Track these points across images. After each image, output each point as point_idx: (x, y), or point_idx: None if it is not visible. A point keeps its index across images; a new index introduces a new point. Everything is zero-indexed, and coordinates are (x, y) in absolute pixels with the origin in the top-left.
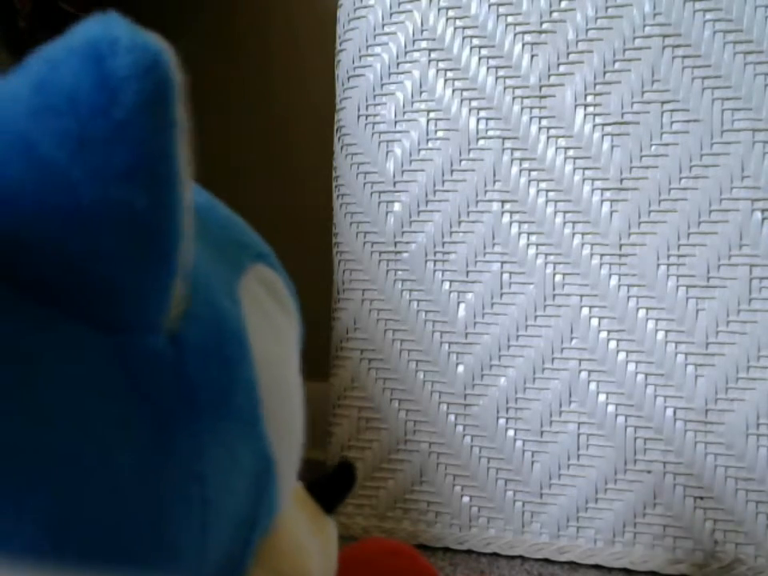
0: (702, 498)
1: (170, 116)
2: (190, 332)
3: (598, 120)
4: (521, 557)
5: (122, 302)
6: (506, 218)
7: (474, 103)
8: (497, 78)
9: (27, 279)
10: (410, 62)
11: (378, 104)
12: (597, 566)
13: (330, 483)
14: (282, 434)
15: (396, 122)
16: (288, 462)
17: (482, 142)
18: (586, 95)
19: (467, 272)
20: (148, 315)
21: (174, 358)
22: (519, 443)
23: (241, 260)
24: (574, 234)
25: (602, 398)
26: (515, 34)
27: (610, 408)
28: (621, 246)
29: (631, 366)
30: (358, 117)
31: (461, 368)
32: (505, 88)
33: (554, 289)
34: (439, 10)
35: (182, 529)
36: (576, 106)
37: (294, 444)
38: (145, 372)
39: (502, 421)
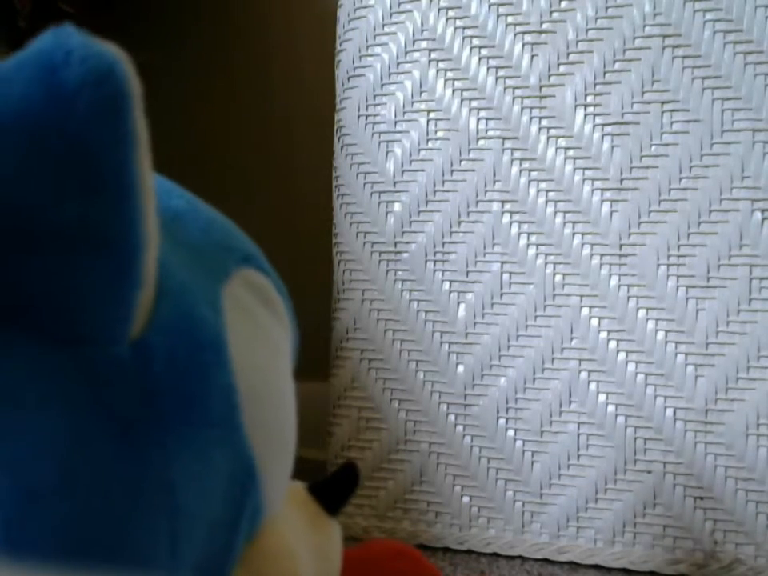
0: (702, 498)
1: (125, 127)
2: (157, 341)
3: (598, 120)
4: (521, 557)
5: (81, 316)
6: (506, 218)
7: (474, 103)
8: (497, 78)
9: None
10: (410, 62)
11: (378, 104)
12: (597, 566)
13: (332, 485)
14: (268, 440)
15: (396, 122)
16: (276, 467)
17: (482, 142)
18: (586, 95)
19: (467, 272)
20: (110, 327)
21: (138, 368)
22: (519, 443)
23: (225, 265)
24: (574, 233)
25: (602, 398)
26: (515, 34)
27: (610, 408)
28: (621, 246)
29: (631, 366)
30: (358, 117)
31: (461, 368)
32: (505, 88)
33: (554, 289)
34: (439, 10)
35: (150, 535)
36: (576, 106)
37: (283, 449)
38: (107, 383)
39: (502, 421)
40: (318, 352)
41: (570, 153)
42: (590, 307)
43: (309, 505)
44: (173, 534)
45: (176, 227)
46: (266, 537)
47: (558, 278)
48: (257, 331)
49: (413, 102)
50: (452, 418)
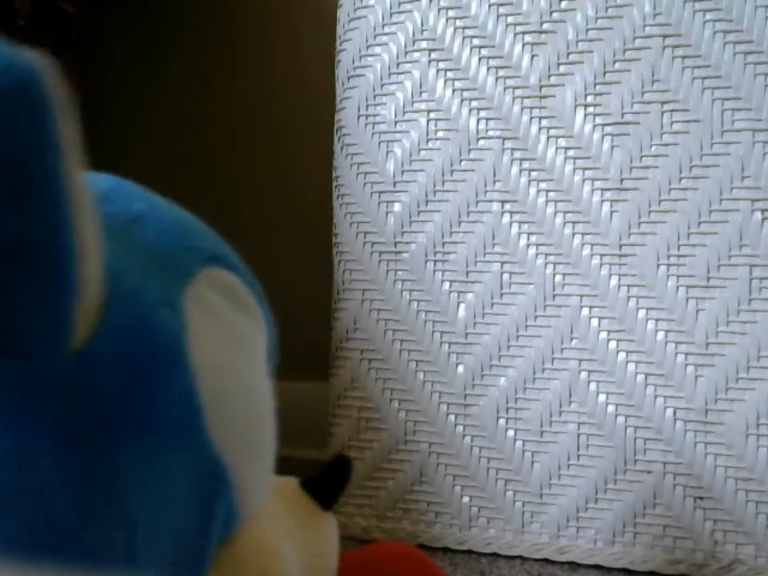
0: (702, 498)
1: (47, 137)
2: (105, 348)
3: (598, 120)
4: (521, 557)
5: (17, 328)
6: (506, 218)
7: (474, 103)
8: (497, 78)
9: None
10: (410, 62)
11: (378, 104)
12: (597, 566)
13: (325, 479)
14: (240, 441)
15: (396, 122)
16: (252, 468)
17: (482, 142)
18: (586, 95)
19: (467, 272)
20: (48, 338)
21: (83, 377)
22: (519, 443)
23: (188, 265)
24: (574, 234)
25: (602, 398)
26: (515, 34)
27: (610, 408)
28: (621, 246)
29: (631, 366)
30: (358, 117)
31: (461, 368)
32: (505, 88)
33: (554, 289)
34: (439, 10)
35: (103, 547)
36: (576, 106)
37: (258, 449)
38: (48, 395)
39: (501, 421)
40: (317, 352)
41: (570, 153)
42: (590, 307)
43: (301, 500)
44: (129, 544)
45: (135, 231)
46: (244, 537)
47: (558, 277)
48: (224, 331)
49: (413, 102)
50: (452, 418)
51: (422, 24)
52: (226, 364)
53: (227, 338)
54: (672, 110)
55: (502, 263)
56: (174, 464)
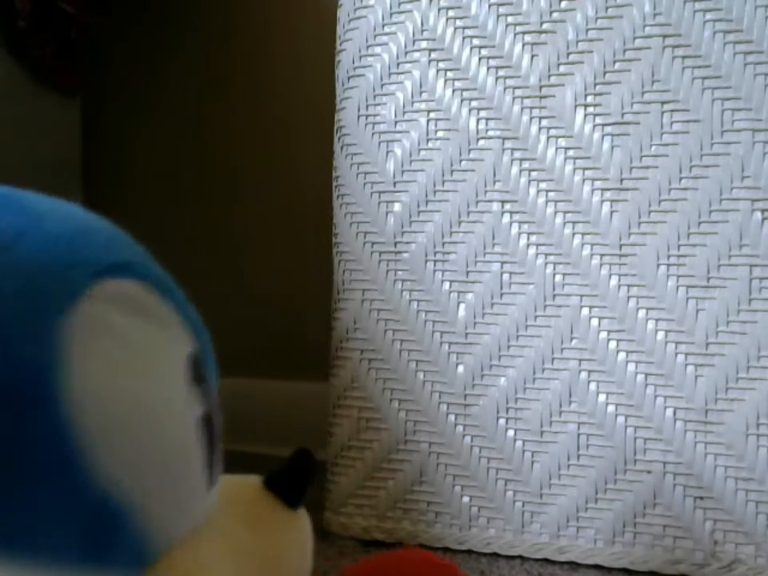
0: (702, 498)
1: None
2: None
3: (598, 120)
4: (521, 557)
5: None
6: (506, 218)
7: (474, 103)
8: (497, 78)
9: None
10: (410, 62)
11: (378, 104)
12: (597, 566)
13: (288, 475)
14: (143, 467)
15: (396, 122)
16: (167, 491)
17: (482, 142)
18: (586, 95)
19: (467, 272)
20: None
21: None
22: (519, 443)
23: (74, 283)
24: (574, 234)
25: (602, 398)
26: (515, 34)
27: (610, 408)
28: (621, 246)
29: (631, 366)
30: (358, 117)
31: (461, 368)
32: (505, 88)
33: (554, 289)
34: (439, 10)
35: None
36: (576, 106)
37: (172, 470)
38: None
39: (501, 421)
40: (317, 352)
41: (570, 153)
42: (590, 307)
43: (263, 501)
44: None
45: (14, 251)
46: (169, 565)
47: (558, 277)
48: (123, 351)
49: (413, 102)
50: (452, 417)
51: (422, 24)
52: (121, 388)
53: (126, 357)
54: (672, 110)
55: (502, 263)
56: (56, 512)
